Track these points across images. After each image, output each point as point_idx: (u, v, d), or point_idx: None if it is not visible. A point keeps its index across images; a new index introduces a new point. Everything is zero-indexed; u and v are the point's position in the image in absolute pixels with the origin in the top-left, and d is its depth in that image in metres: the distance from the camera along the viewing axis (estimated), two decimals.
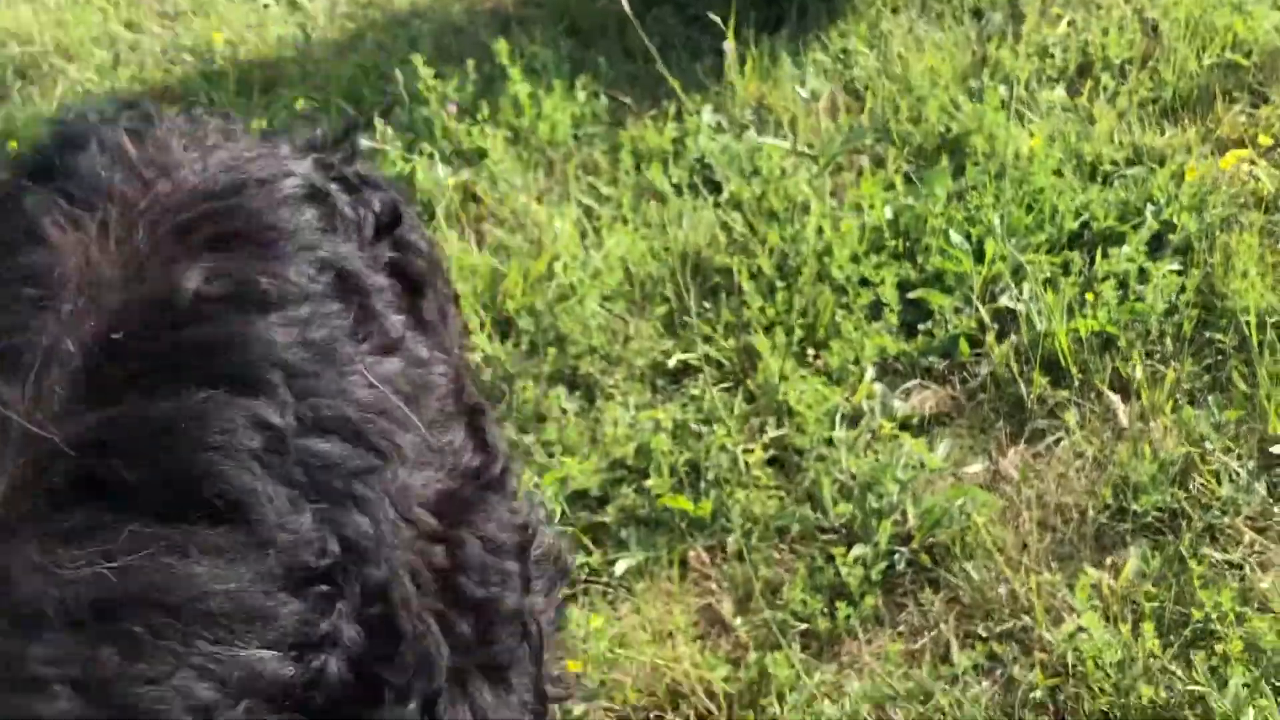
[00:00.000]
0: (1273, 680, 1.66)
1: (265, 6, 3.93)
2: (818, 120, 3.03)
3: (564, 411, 2.28)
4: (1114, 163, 2.74)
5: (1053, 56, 3.13)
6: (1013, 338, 2.32)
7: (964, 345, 2.33)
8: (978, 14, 3.43)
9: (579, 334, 2.40)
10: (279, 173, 1.07)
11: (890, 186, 2.69)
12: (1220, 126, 2.82)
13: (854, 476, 2.04)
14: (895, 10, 3.46)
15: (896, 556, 1.93)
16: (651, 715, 1.77)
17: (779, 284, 2.46)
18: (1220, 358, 2.22)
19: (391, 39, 3.57)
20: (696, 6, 3.35)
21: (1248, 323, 2.19)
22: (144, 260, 0.94)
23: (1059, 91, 3.02)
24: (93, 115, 1.17)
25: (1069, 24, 3.25)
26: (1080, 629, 1.75)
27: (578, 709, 1.76)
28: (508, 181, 2.84)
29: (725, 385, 2.28)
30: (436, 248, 1.35)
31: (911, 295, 2.43)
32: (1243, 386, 2.13)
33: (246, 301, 0.91)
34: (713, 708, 1.75)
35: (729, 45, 3.08)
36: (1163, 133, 2.83)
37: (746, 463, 2.07)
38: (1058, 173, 2.68)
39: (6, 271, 0.94)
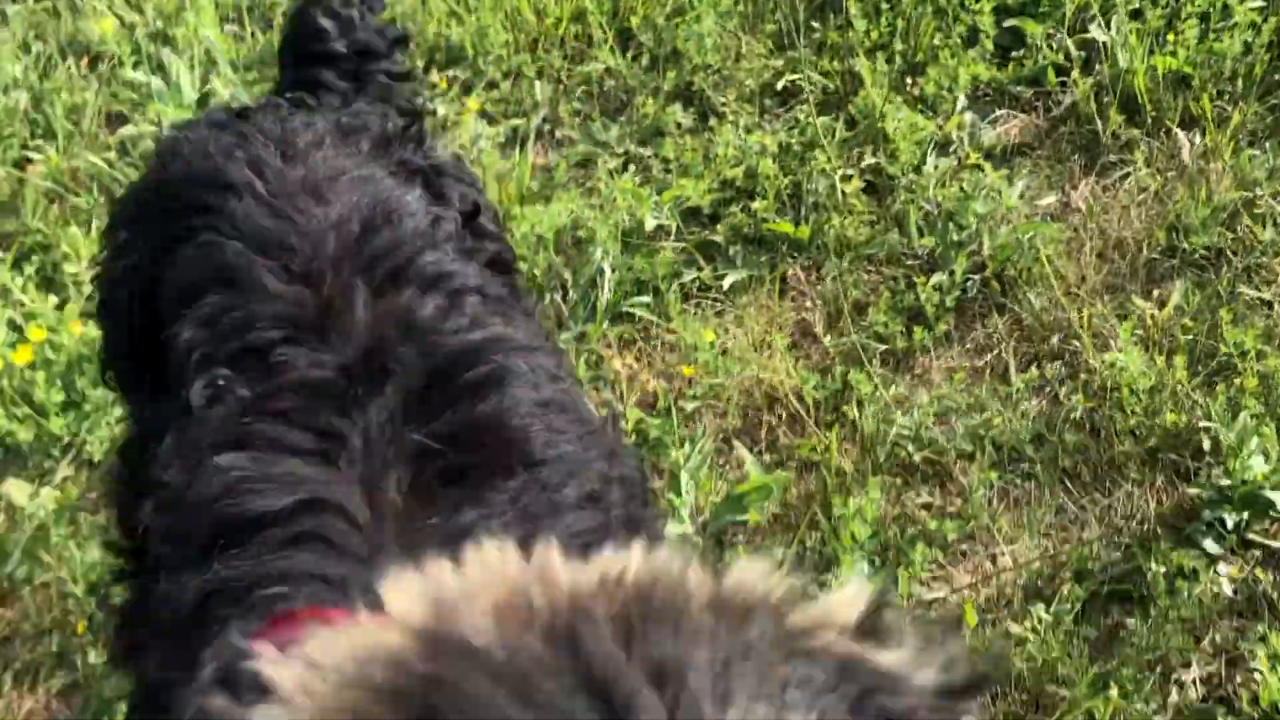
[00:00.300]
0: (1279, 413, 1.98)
1: None
2: None
3: (679, 127, 2.54)
4: None
5: None
6: (1097, 69, 2.51)
7: (1051, 74, 2.54)
8: None
9: (694, 51, 2.63)
10: (403, 209, 1.30)
11: None
12: None
13: (939, 206, 2.31)
14: None
15: (969, 283, 2.22)
16: (750, 414, 2.13)
17: (884, 5, 2.65)
18: None
19: None
20: None
21: None
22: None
23: None
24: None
25: None
26: (1121, 356, 2.06)
27: (690, 405, 2.12)
28: None
29: (828, 111, 2.52)
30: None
31: (1007, 23, 2.61)
32: None
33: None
34: (802, 411, 2.10)
35: None
36: None
37: (843, 191, 2.34)
38: None
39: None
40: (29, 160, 2.55)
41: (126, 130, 2.57)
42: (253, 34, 2.76)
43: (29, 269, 2.31)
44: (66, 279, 2.29)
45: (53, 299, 2.25)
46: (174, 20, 2.77)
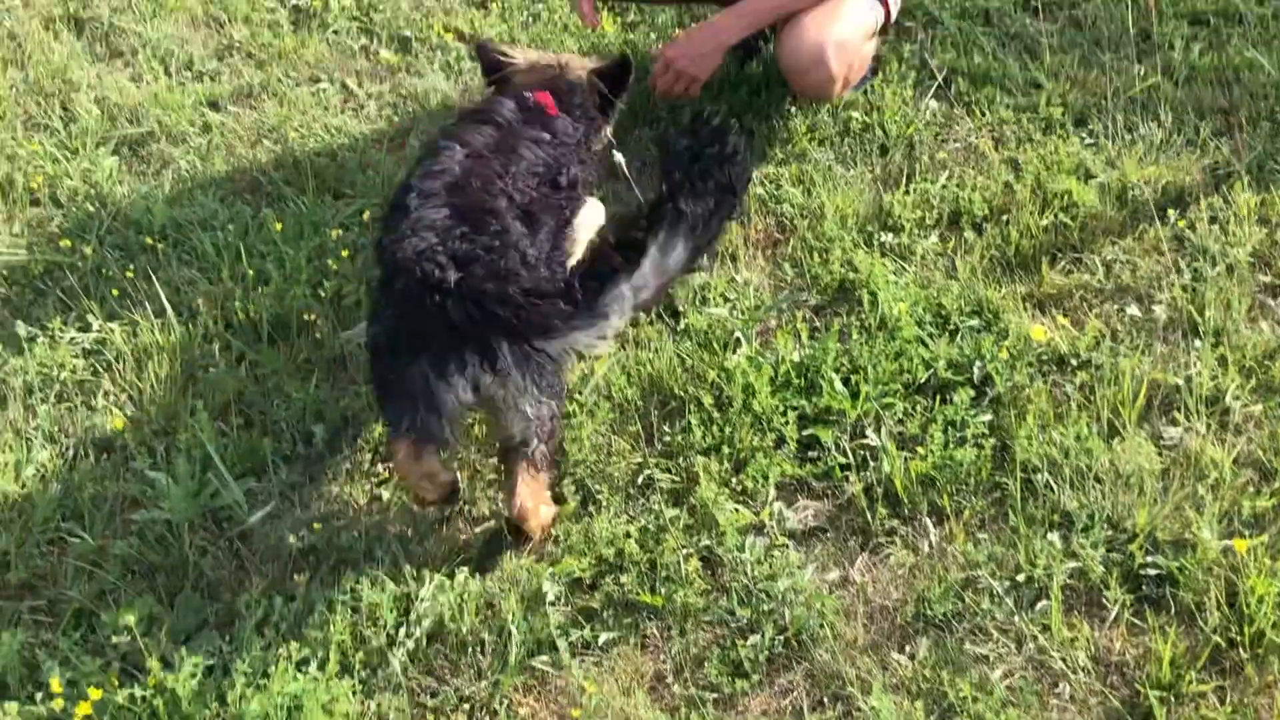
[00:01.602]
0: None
1: (323, 91, 4.91)
2: (753, 254, 4.10)
3: (574, 512, 3.41)
4: (962, 314, 3.82)
5: (932, 206, 4.20)
6: (871, 467, 3.44)
7: (838, 471, 3.46)
8: (884, 150, 4.48)
9: (575, 450, 3.51)
10: None
11: (799, 335, 3.78)
12: (1044, 284, 3.91)
13: (754, 582, 3.18)
14: (820, 142, 4.51)
15: (777, 642, 3.08)
16: None
17: (716, 415, 3.57)
18: (1002, 497, 3.36)
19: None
20: None
21: (1025, 465, 3.33)
22: None
23: (933, 239, 4.10)
24: None
25: (948, 176, 4.32)
26: (875, 702, 2.92)
27: None
28: None
29: (676, 502, 3.40)
30: None
31: (807, 431, 3.54)
32: (1012, 522, 3.28)
33: None
34: None
35: None
36: (1000, 288, 3.91)
37: (686, 568, 3.21)
38: (919, 324, 3.77)
39: None
40: (64, 540, 3.31)
41: (142, 515, 3.35)
42: (238, 432, 3.58)
43: (74, 634, 3.06)
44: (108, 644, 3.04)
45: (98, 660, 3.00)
46: (174, 420, 3.58)
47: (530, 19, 5.28)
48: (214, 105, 4.86)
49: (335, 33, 5.25)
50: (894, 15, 4.52)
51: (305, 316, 3.79)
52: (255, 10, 5.39)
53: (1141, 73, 4.75)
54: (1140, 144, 4.40)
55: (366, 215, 4.19)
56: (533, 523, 3.23)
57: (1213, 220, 4.07)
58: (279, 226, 4.10)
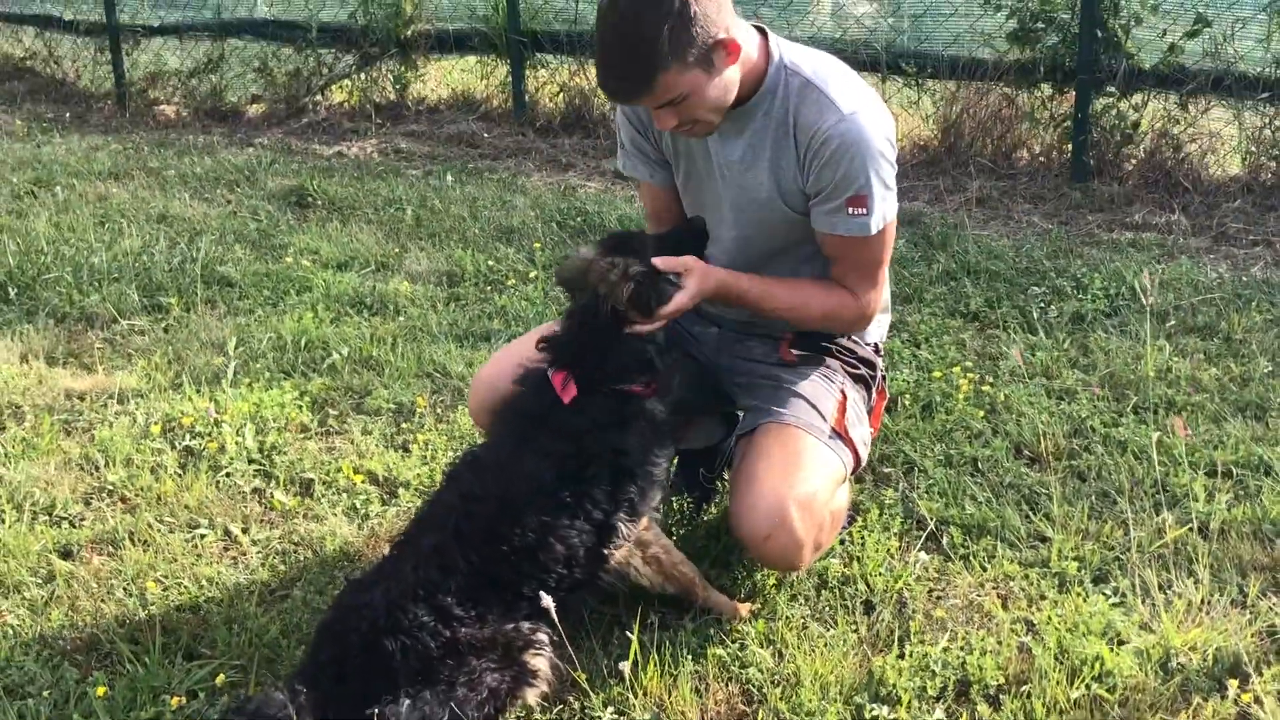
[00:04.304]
0: None
1: (201, 537, 4.13)
2: None
3: None
4: None
5: (934, 673, 3.35)
6: None
7: None
8: (869, 607, 3.68)
9: None
10: None
11: None
12: None
13: None
14: (793, 598, 3.71)
15: None
16: None
17: None
18: None
19: (318, 591, 3.76)
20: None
21: None
22: None
23: (938, 713, 3.23)
24: None
25: (949, 638, 3.50)
26: None
27: None
28: None
29: None
30: None
31: None
32: None
33: None
34: None
35: (625, 666, 3.27)
36: None
37: None
38: None
39: None
40: None
41: None
42: None
43: None
44: None
45: None
46: None
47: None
48: (65, 553, 4.06)
49: (228, 474, 4.54)
50: (864, 460, 3.82)
51: None
52: (139, 451, 4.70)
53: (1165, 523, 4.04)
54: (1178, 603, 3.62)
55: (221, 679, 3.31)
56: None
57: None
58: (101, 691, 3.20)
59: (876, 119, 3.40)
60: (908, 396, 5.05)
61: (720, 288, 3.49)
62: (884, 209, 3.45)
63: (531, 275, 6.69)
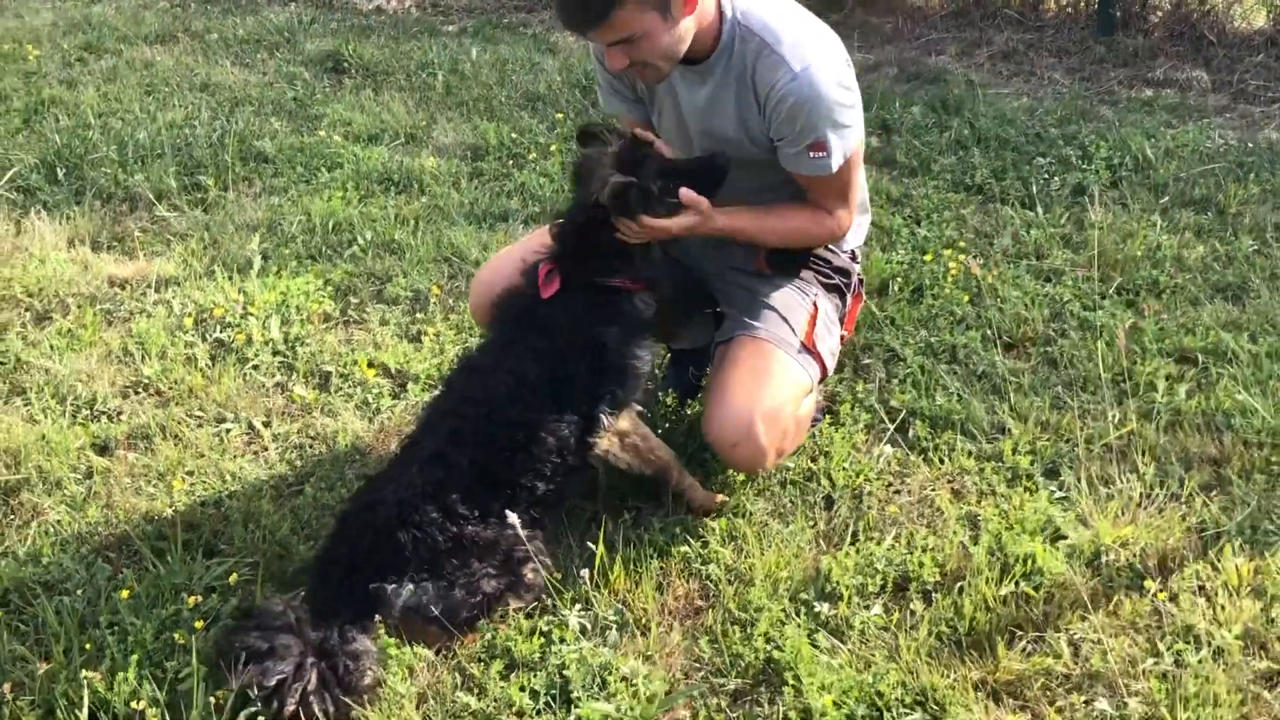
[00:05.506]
0: None
1: (227, 432, 4.51)
2: (669, 625, 3.56)
3: None
4: (902, 706, 3.23)
5: (876, 570, 3.66)
6: None
7: None
8: (829, 502, 3.99)
9: None
10: None
11: None
12: (999, 669, 3.33)
13: None
14: (760, 492, 4.02)
15: None
16: None
17: None
18: None
19: (328, 488, 4.13)
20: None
21: None
22: None
23: (875, 610, 3.54)
24: None
25: (895, 536, 3.80)
26: None
27: None
28: None
29: None
30: None
31: None
32: None
33: None
34: None
35: (585, 573, 3.61)
36: (948, 672, 3.32)
37: None
38: (849, 718, 3.18)
39: None
40: None
41: None
42: None
43: None
44: None
45: None
46: None
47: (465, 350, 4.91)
48: (103, 449, 4.46)
49: (255, 368, 4.90)
50: (830, 370, 4.07)
51: (133, 705, 3.25)
52: (174, 344, 5.07)
53: (1118, 418, 4.28)
54: (1117, 499, 3.88)
55: (234, 578, 3.70)
56: None
57: (1199, 591, 3.52)
58: (125, 594, 3.61)
59: (827, 68, 3.58)
60: (899, 280, 5.26)
61: (713, 234, 3.74)
62: (843, 147, 3.66)
63: (552, 149, 6.90)
